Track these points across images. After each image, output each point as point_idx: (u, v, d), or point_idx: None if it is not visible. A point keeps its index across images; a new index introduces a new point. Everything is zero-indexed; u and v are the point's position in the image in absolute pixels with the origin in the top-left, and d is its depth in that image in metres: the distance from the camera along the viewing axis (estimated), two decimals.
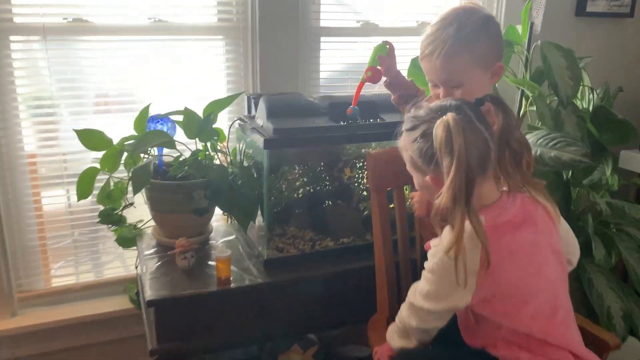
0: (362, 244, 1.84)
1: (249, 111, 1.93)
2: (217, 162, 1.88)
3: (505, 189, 1.20)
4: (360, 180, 1.87)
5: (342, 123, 1.72)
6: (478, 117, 1.13)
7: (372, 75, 1.62)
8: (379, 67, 1.63)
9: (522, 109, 2.06)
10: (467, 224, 1.06)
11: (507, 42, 1.92)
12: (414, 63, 1.92)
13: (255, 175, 1.74)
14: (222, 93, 2.13)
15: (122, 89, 2.05)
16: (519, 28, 2.01)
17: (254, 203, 1.70)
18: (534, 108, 1.96)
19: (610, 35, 2.65)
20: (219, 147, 1.89)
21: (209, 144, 1.83)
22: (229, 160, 1.89)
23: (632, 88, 2.62)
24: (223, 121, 2.11)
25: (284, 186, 1.78)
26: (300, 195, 1.83)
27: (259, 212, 1.76)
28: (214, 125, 1.85)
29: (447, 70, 1.31)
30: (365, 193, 1.88)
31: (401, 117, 1.79)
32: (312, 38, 2.17)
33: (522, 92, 2.03)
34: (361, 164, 1.84)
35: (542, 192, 1.22)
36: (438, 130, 1.08)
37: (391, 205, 1.64)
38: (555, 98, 1.89)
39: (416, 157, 1.15)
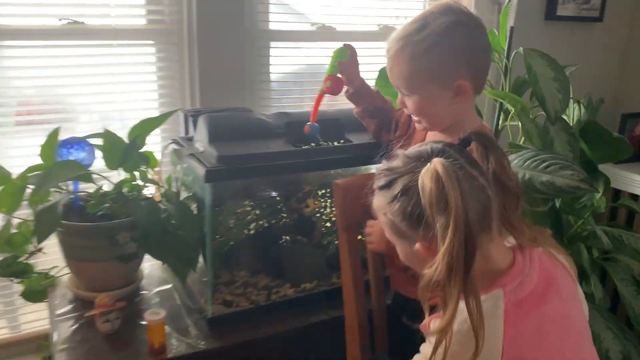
0: (327, 289, 1.55)
1: (187, 131, 1.60)
2: (147, 194, 1.54)
3: (509, 245, 0.94)
4: (322, 211, 1.58)
5: (301, 146, 1.42)
6: (469, 160, 0.87)
7: (332, 86, 1.35)
8: (339, 75, 1.36)
9: (500, 123, 1.83)
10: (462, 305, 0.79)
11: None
12: (382, 74, 1.64)
13: (194, 212, 1.41)
14: (153, 109, 1.79)
15: (45, 100, 1.71)
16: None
17: (193, 248, 1.37)
18: (515, 123, 1.73)
19: (582, 40, 2.48)
20: (149, 175, 1.55)
21: (137, 173, 1.48)
22: (162, 191, 1.55)
23: (609, 98, 2.45)
24: (155, 142, 1.76)
25: (231, 221, 1.47)
26: (252, 232, 1.52)
27: (201, 256, 1.44)
28: (143, 149, 1.52)
29: (396, 73, 1.14)
30: (328, 224, 1.59)
31: (369, 137, 1.52)
32: (260, 43, 1.86)
33: (501, 106, 1.79)
34: (323, 192, 1.55)
35: (551, 243, 0.97)
36: (425, 181, 0.81)
37: (359, 237, 1.36)
38: (540, 112, 1.66)
39: (399, 221, 0.87)
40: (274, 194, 1.51)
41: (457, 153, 0.86)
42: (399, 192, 0.86)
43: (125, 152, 1.40)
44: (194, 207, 1.51)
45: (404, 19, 2.15)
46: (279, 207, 1.53)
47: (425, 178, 0.81)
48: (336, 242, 1.55)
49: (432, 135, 1.24)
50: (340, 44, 1.38)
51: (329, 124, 1.47)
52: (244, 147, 1.37)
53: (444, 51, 1.08)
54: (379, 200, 0.91)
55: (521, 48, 1.68)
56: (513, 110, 1.70)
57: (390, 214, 0.88)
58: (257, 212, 1.50)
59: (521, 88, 1.81)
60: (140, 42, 1.74)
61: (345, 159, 1.44)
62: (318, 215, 1.57)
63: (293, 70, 2.01)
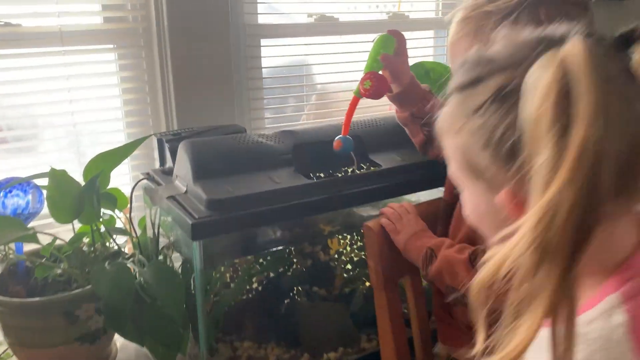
0: (357, 357, 1.20)
1: (163, 161, 1.23)
2: (114, 247, 1.18)
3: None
4: (342, 250, 1.24)
5: (316, 176, 1.08)
6: (626, 71, 0.50)
7: (375, 86, 1.02)
8: (381, 73, 1.04)
9: None
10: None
11: None
12: (416, 70, 1.28)
13: (178, 273, 1.05)
14: (118, 131, 1.42)
15: None
16: None
17: (180, 324, 1.01)
18: None
19: None
20: (119, 218, 1.19)
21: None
22: (134, 241, 1.19)
23: None
24: (122, 173, 1.40)
25: (227, 277, 1.12)
26: (255, 288, 1.18)
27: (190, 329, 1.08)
28: (108, 187, 1.16)
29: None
30: (349, 267, 1.25)
31: (401, 157, 1.18)
32: (248, 40, 1.49)
33: None
34: (343, 235, 1.21)
35: None
36: (544, 77, 0.46)
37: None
38: None
39: (478, 149, 0.53)
40: (279, 234, 1.16)
41: (612, 52, 0.50)
42: (489, 98, 0.51)
43: (79, 198, 1.03)
44: (177, 262, 1.16)
45: (414, 4, 1.80)
46: (286, 254, 1.18)
47: (545, 71, 0.46)
48: (362, 288, 1.22)
49: None
50: (383, 32, 1.07)
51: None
52: (241, 183, 1.01)
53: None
54: (451, 112, 0.57)
55: None
56: None
57: (467, 135, 0.54)
58: (262, 261, 1.15)
59: None
60: (96, 46, 1.36)
61: (376, 190, 1.09)
62: (336, 257, 1.23)
63: (291, 73, 1.65)
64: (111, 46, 1.38)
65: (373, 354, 1.20)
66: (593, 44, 0.47)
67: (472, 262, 0.84)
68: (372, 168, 1.15)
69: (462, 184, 0.61)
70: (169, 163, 1.19)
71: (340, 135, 1.07)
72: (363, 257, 1.28)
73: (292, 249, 1.18)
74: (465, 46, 0.81)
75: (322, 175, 1.17)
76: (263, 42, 1.52)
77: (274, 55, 1.58)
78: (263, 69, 1.53)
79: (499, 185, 0.53)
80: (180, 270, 1.11)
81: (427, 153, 1.12)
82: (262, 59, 1.53)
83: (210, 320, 1.07)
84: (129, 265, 1.07)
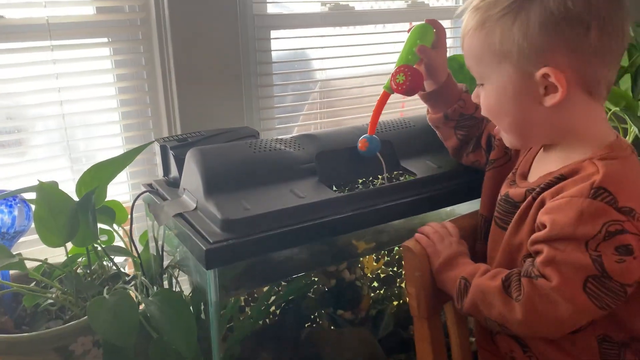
0: None
1: (167, 170, 1.09)
2: (113, 268, 1.05)
3: None
4: (365, 267, 1.11)
5: (342, 187, 0.95)
6: None
7: (411, 81, 0.90)
8: (416, 67, 0.91)
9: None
10: None
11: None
12: (450, 63, 1.14)
13: (189, 308, 0.91)
14: (114, 135, 1.28)
15: None
16: None
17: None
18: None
19: None
20: (117, 232, 1.06)
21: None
22: (136, 259, 1.06)
23: None
24: (119, 181, 1.26)
25: (242, 300, 0.99)
26: (272, 310, 1.04)
27: None
28: (105, 200, 1.02)
29: (465, 51, 0.77)
30: (376, 284, 1.12)
31: (435, 163, 1.05)
32: (257, 32, 1.35)
33: None
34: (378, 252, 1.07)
35: None
36: None
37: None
38: None
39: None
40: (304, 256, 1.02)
41: None
42: None
43: (73, 218, 0.89)
44: (184, 284, 1.03)
45: None
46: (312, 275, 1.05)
47: None
48: (390, 308, 1.09)
49: (541, 158, 0.80)
50: (421, 21, 0.93)
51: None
52: (259, 199, 0.88)
53: (530, 18, 0.67)
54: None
55: None
56: (613, 110, 1.23)
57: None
58: (279, 289, 1.02)
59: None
60: (89, 40, 1.21)
61: (414, 202, 0.95)
62: (362, 275, 1.10)
63: (303, 68, 1.51)
64: (105, 40, 1.23)
65: None
66: None
67: (507, 289, 0.71)
68: (405, 177, 1.02)
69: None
70: (173, 172, 1.06)
71: (366, 135, 0.94)
72: (390, 273, 1.15)
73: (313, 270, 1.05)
74: (475, 40, 0.73)
75: (348, 186, 1.05)
76: (273, 34, 1.38)
77: (285, 49, 1.44)
78: (273, 64, 1.39)
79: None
80: (190, 296, 0.98)
81: (460, 158, 1.00)
82: (272, 52, 1.38)
83: (225, 354, 0.94)
84: (130, 292, 0.94)
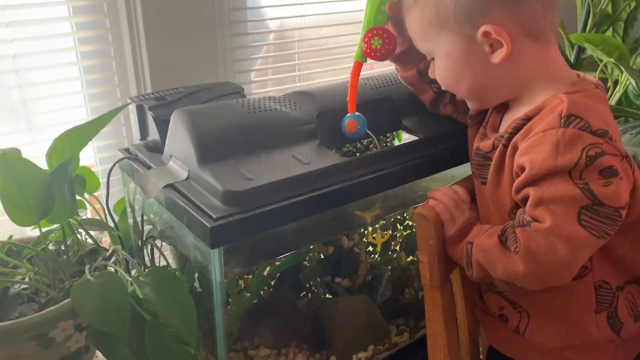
0: (390, 354, 1.04)
1: (144, 133, 0.98)
2: (88, 243, 0.95)
3: None
4: (365, 232, 1.05)
5: (344, 149, 0.88)
6: None
7: (387, 44, 0.83)
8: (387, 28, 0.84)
9: None
10: None
11: None
12: None
13: (185, 286, 0.83)
14: (76, 94, 1.13)
15: None
16: None
17: (192, 345, 0.80)
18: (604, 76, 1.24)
19: None
20: (88, 202, 0.95)
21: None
22: (112, 231, 0.96)
23: None
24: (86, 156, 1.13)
25: (242, 283, 0.92)
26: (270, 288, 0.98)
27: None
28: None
29: (409, 31, 0.78)
30: (376, 253, 1.07)
31: (436, 121, 0.98)
32: None
33: (578, 54, 1.29)
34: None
35: None
36: None
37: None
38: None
39: None
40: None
41: None
42: None
43: (47, 192, 0.78)
44: (170, 257, 0.94)
45: None
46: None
47: None
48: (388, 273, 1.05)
49: (510, 110, 0.78)
50: None
51: (375, 107, 0.92)
52: (260, 166, 0.79)
53: None
54: None
55: None
56: (605, 61, 1.20)
57: None
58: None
59: (601, 27, 1.31)
60: None
61: (425, 164, 0.89)
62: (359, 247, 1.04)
63: (282, 14, 1.39)
64: None
65: (406, 349, 1.05)
66: None
67: (504, 244, 0.68)
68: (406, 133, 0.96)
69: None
70: (152, 135, 0.95)
71: (352, 114, 0.86)
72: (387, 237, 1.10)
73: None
74: (413, 18, 0.75)
75: (349, 148, 0.97)
76: None
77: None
78: (248, 10, 1.27)
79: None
80: (178, 272, 0.90)
81: (438, 110, 0.95)
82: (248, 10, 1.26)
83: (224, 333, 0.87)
84: (116, 271, 0.85)
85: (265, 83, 1.39)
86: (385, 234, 1.04)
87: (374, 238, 1.03)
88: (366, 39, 0.82)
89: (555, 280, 0.67)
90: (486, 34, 0.67)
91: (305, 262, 1.00)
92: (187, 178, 0.81)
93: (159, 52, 1.12)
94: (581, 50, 1.29)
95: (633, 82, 1.13)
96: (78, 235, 0.94)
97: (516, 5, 0.67)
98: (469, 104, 0.81)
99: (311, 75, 1.43)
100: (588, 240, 0.63)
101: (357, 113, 0.86)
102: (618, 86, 1.24)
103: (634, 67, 1.21)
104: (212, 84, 1.04)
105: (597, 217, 0.62)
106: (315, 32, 1.41)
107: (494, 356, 0.86)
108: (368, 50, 0.82)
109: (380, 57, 0.83)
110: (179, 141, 0.83)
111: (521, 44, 0.69)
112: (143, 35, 1.10)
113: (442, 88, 0.80)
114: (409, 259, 1.11)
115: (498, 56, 0.69)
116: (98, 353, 0.99)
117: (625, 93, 1.23)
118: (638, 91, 1.20)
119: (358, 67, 0.85)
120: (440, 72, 0.76)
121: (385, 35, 0.82)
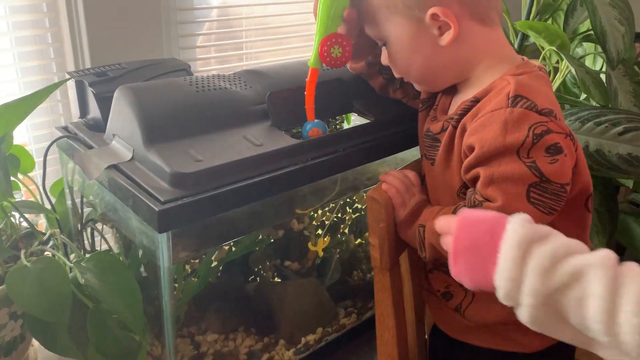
0: (338, 335, 1.04)
1: (84, 110, 0.93)
2: (24, 226, 0.89)
3: None
4: (313, 215, 1.04)
5: (291, 133, 0.86)
6: None
7: (347, 52, 0.82)
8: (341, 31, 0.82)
9: None
10: None
11: None
12: None
13: (129, 271, 0.80)
14: (10, 82, 1.06)
15: None
16: None
17: (137, 332, 0.77)
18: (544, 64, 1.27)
19: None
20: (22, 183, 0.89)
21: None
22: (49, 215, 0.91)
23: None
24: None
25: (187, 266, 0.89)
26: (214, 265, 0.96)
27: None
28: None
29: (362, 19, 0.78)
30: (320, 232, 1.07)
31: (387, 103, 0.98)
32: None
33: (522, 41, 1.32)
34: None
35: None
36: None
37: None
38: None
39: None
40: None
41: None
42: None
43: None
44: (111, 241, 0.90)
45: None
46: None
47: None
48: (335, 254, 1.05)
49: (458, 93, 0.78)
50: None
51: (326, 89, 0.90)
52: (210, 147, 0.77)
53: None
54: None
55: None
56: (547, 49, 1.23)
57: None
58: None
59: (543, 16, 1.35)
60: None
61: (377, 146, 0.89)
62: (306, 228, 1.03)
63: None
64: None
65: (354, 330, 1.06)
66: None
67: None
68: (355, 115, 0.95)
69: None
70: (93, 112, 0.90)
71: (314, 121, 0.85)
72: (335, 220, 1.10)
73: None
74: (364, 5, 0.75)
75: (300, 130, 0.96)
76: None
77: None
78: None
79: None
80: (122, 256, 0.86)
81: (388, 94, 0.95)
82: None
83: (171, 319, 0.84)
84: (55, 256, 0.80)
85: (209, 61, 1.34)
86: (326, 240, 1.03)
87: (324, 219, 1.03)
88: (325, 48, 0.79)
89: None
90: (434, 17, 0.68)
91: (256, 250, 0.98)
92: (132, 159, 0.77)
93: (99, 23, 1.06)
94: (524, 37, 1.32)
95: (573, 70, 1.16)
96: (12, 219, 0.89)
97: None
98: (420, 88, 0.81)
99: (258, 54, 1.40)
100: (537, 217, 0.64)
101: (316, 120, 0.85)
102: (558, 74, 1.27)
103: (573, 55, 1.25)
104: (157, 60, 0.99)
105: (544, 193, 0.64)
106: (261, 9, 1.38)
107: (436, 334, 0.88)
108: (329, 59, 0.80)
109: (341, 64, 0.82)
110: (123, 120, 0.79)
111: (468, 26, 0.70)
112: (82, 5, 1.03)
113: (395, 75, 0.79)
114: (357, 242, 1.11)
115: (446, 38, 0.69)
116: (35, 342, 0.94)
117: (563, 81, 1.27)
118: (576, 79, 1.24)
119: (314, 74, 0.83)
120: (391, 57, 0.76)
121: (344, 43, 0.80)
